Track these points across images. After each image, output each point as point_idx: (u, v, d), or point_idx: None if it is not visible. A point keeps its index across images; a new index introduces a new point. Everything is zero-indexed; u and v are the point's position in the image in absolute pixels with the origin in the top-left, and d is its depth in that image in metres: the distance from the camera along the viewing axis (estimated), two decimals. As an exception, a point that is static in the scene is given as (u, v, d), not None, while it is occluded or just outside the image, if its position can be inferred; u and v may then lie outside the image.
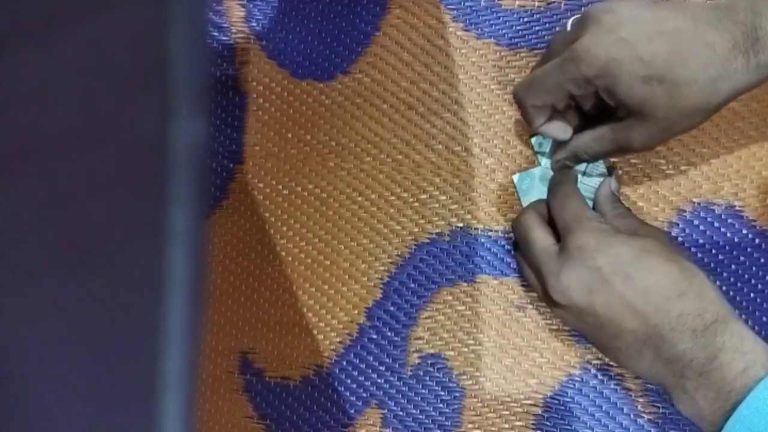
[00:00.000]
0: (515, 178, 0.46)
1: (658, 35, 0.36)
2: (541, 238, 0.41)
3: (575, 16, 0.42)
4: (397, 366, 0.47)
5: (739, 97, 0.36)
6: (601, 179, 0.44)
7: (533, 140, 0.45)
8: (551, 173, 0.45)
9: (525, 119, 0.43)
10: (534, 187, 0.45)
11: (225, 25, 0.51)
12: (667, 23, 0.36)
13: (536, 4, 0.47)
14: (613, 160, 0.45)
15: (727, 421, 0.34)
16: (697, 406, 0.36)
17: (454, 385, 0.46)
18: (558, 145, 0.43)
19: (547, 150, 0.45)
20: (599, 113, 0.41)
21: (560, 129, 0.42)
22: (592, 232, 0.39)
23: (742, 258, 0.44)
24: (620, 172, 0.45)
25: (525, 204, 0.45)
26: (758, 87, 0.36)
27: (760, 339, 0.36)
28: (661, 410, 0.44)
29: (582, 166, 0.44)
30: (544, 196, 0.44)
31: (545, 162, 0.45)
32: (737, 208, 0.44)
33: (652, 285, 0.37)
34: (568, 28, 0.41)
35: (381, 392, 0.47)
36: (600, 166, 0.44)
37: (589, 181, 0.44)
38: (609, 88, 0.37)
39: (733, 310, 0.37)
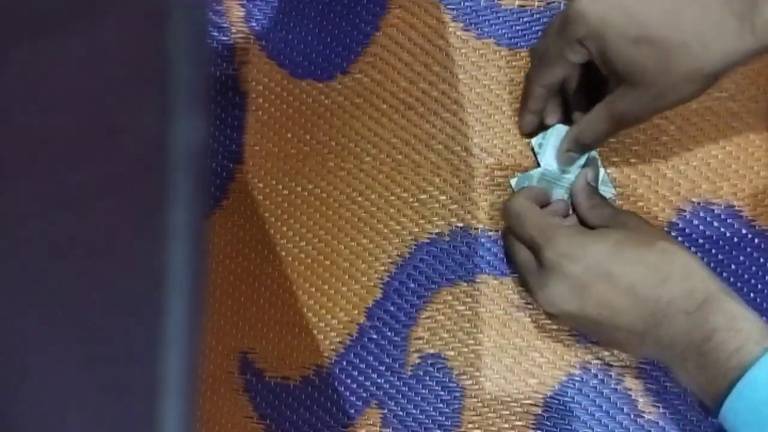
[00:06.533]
0: (513, 182, 0.45)
1: None
2: (521, 253, 0.41)
3: None
4: (397, 366, 0.47)
5: (734, 68, 0.35)
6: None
7: (533, 141, 0.45)
8: (550, 174, 0.45)
9: (528, 101, 0.44)
10: None
11: (225, 25, 0.51)
12: None
13: (536, 4, 0.47)
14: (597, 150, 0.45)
15: (726, 397, 0.34)
16: (700, 385, 0.36)
17: (454, 385, 0.46)
18: (563, 138, 0.44)
19: (547, 151, 0.45)
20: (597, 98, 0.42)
21: (551, 111, 0.44)
22: (561, 239, 0.39)
23: (741, 258, 0.44)
24: (604, 162, 0.45)
25: None
26: (755, 76, 0.36)
27: (754, 314, 0.36)
28: (661, 410, 0.44)
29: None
30: None
31: (544, 163, 0.45)
32: (736, 207, 0.44)
33: (635, 278, 0.37)
34: None
35: (381, 392, 0.47)
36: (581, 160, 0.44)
37: (570, 178, 0.44)
38: (600, 50, 0.37)
39: (723, 285, 0.37)
